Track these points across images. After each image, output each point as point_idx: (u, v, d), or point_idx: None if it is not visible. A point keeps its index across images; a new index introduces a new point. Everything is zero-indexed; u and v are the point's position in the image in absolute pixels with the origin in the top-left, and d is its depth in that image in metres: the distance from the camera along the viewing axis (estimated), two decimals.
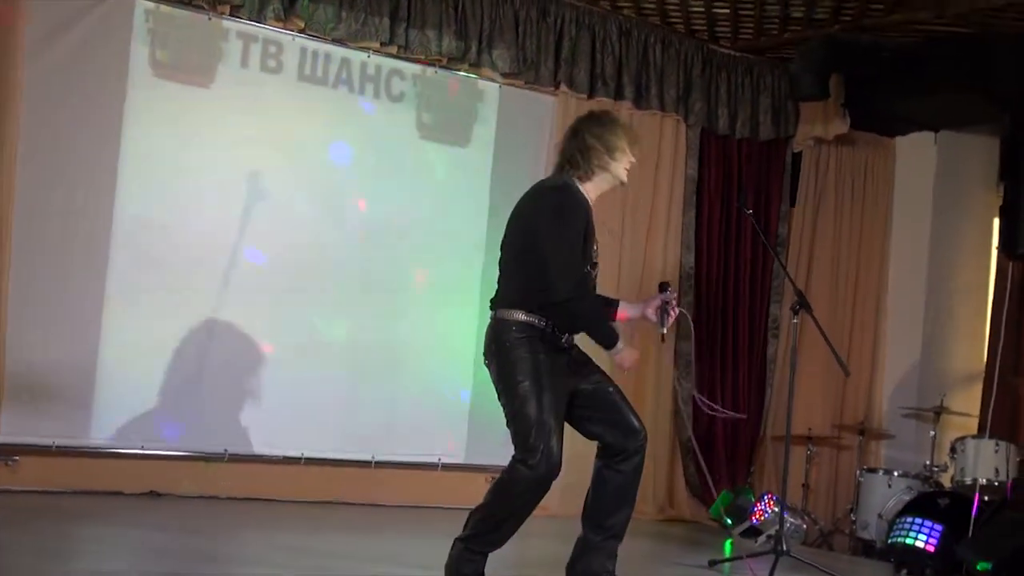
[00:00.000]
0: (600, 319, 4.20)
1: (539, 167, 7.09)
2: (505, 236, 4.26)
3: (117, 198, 6.04)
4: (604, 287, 6.84)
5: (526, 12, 7.13)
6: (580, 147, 4.21)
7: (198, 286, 6.28)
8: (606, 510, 4.19)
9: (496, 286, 4.26)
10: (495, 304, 4.21)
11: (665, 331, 4.35)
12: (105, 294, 6.03)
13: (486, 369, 4.19)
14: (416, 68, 6.93)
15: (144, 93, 6.13)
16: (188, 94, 6.27)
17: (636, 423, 4.20)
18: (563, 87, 7.27)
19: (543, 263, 4.01)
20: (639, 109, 7.53)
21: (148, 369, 6.14)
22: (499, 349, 4.10)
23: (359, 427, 6.63)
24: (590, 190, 4.22)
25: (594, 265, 4.24)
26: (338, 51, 6.67)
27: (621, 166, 4.23)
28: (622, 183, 4.26)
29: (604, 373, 4.29)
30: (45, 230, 5.86)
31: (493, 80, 7.14)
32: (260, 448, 6.42)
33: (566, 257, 4.01)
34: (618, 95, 7.47)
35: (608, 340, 4.13)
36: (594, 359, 4.34)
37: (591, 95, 7.36)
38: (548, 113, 7.29)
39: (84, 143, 5.99)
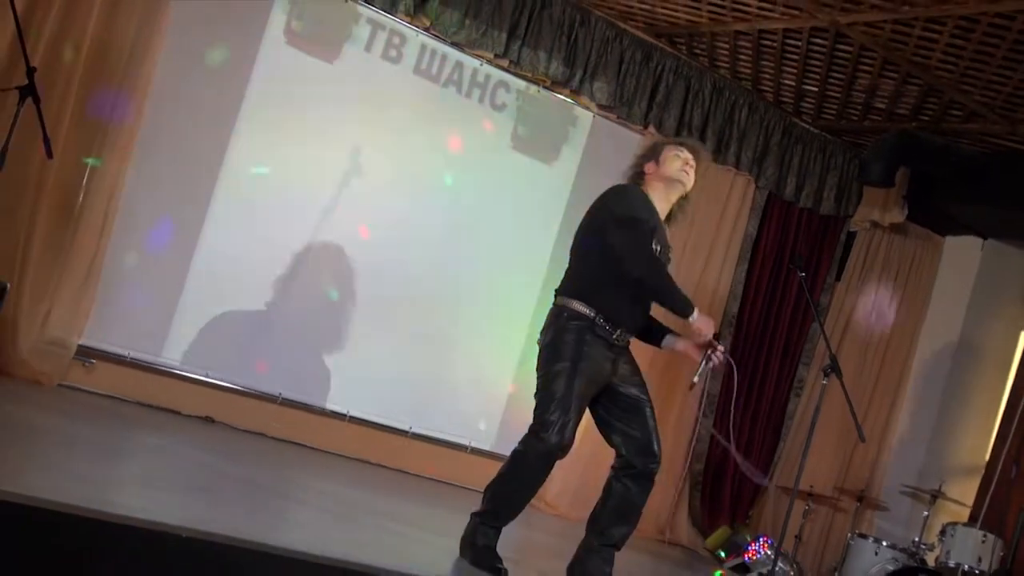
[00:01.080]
0: (674, 288, 4.10)
1: None
2: (575, 234, 4.33)
3: (230, 147, 6.14)
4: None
5: (631, 53, 7.21)
6: (633, 162, 4.40)
7: (289, 238, 6.35)
8: (608, 520, 4.21)
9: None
10: (558, 292, 4.26)
11: (697, 379, 4.24)
12: (202, 229, 6.13)
13: (532, 370, 4.21)
14: (521, 84, 7.03)
15: (274, 56, 6.23)
16: (313, 66, 6.36)
17: (655, 447, 4.20)
18: (651, 128, 7.34)
19: (610, 250, 4.06)
20: (716, 163, 7.58)
21: (227, 304, 6.21)
22: (551, 330, 4.15)
23: (403, 398, 6.69)
24: (655, 196, 4.26)
25: (667, 260, 4.24)
26: (455, 54, 6.77)
27: (673, 166, 4.26)
28: (681, 182, 4.25)
29: (646, 389, 4.28)
30: (160, 161, 5.96)
31: (588, 109, 7.22)
32: (311, 399, 6.47)
33: (636, 238, 4.05)
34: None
35: (684, 307, 4.06)
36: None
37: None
38: (633, 148, 7.12)
39: (210, 94, 6.09)
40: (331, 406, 6.54)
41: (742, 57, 7.27)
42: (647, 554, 6.67)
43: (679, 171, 4.24)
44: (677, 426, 7.54)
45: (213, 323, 6.22)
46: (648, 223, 4.10)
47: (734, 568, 6.91)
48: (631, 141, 7.30)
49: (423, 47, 6.69)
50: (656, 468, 4.20)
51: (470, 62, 6.82)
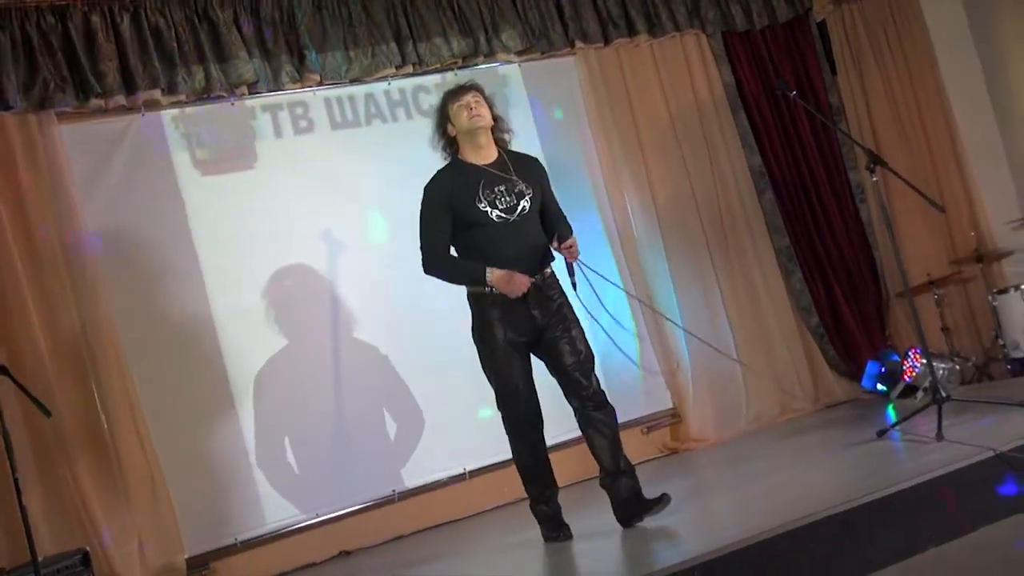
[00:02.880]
0: (458, 269, 4.69)
1: (583, 129, 7.07)
2: None
3: (209, 300, 6.05)
4: (681, 210, 7.07)
5: None
6: (434, 134, 4.87)
7: (309, 347, 6.25)
8: (600, 459, 4.71)
9: None
10: None
11: (571, 280, 4.74)
12: (231, 386, 6.05)
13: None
14: (436, 78, 6.83)
15: (198, 194, 6.13)
16: (238, 181, 6.24)
17: (579, 376, 4.63)
18: (578, 44, 7.15)
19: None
20: (656, 38, 7.39)
21: (292, 442, 6.14)
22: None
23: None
24: (468, 152, 4.73)
25: (521, 196, 4.65)
26: (360, 90, 6.62)
27: (461, 118, 4.69)
28: (477, 128, 4.67)
29: (564, 320, 4.67)
30: (153, 349, 5.91)
31: (511, 61, 7.03)
32: (422, 477, 6.37)
33: (423, 246, 4.69)
34: (632, 32, 7.33)
35: (478, 278, 4.60)
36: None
37: (607, 42, 7.26)
38: (573, 73, 7.19)
39: (160, 257, 6.01)
40: (447, 472, 6.41)
41: None
42: (813, 428, 6.55)
43: (469, 121, 4.65)
44: (770, 296, 7.42)
45: (292, 466, 6.14)
46: (444, 203, 4.62)
47: (902, 394, 6.74)
48: (567, 68, 7.19)
49: (327, 102, 6.56)
50: (591, 396, 4.62)
51: (378, 87, 6.67)
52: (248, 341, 6.10)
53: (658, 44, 7.35)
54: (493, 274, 4.55)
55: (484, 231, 4.63)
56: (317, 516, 6.08)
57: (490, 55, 6.92)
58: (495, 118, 4.78)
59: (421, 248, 4.66)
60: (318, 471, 6.14)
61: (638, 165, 7.13)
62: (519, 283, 4.57)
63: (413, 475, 6.33)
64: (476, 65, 6.90)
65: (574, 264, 4.73)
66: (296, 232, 6.29)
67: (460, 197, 4.64)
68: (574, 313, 4.75)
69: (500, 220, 4.64)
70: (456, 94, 4.75)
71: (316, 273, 6.32)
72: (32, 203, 5.65)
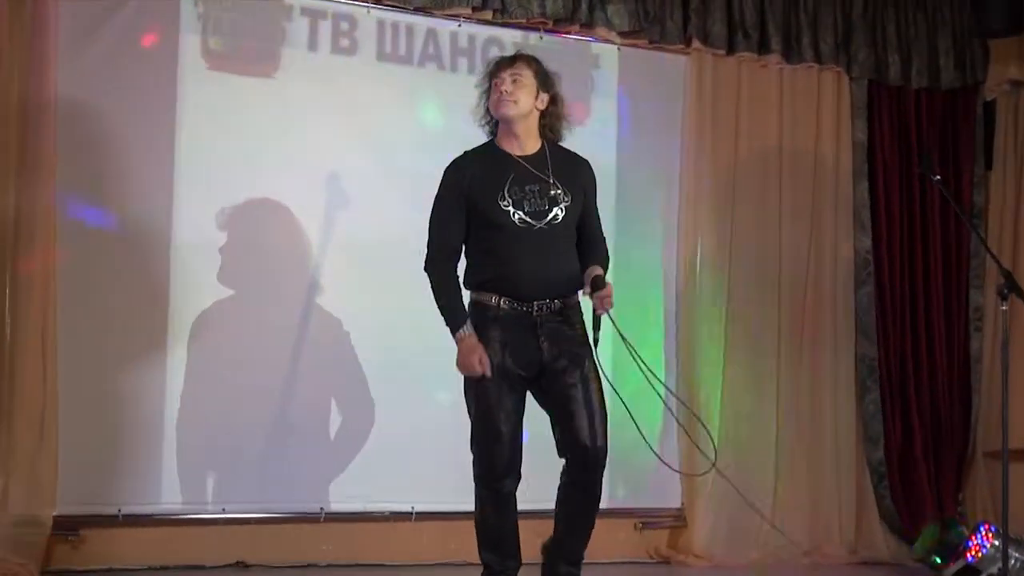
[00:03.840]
0: (442, 294, 4.62)
1: (672, 139, 6.99)
2: None
3: (174, 222, 5.98)
4: (760, 273, 7.06)
5: None
6: (482, 112, 4.82)
7: (271, 306, 6.19)
8: (561, 530, 4.69)
9: None
10: None
11: (596, 336, 4.58)
12: (168, 337, 5.98)
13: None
14: (517, 34, 6.72)
15: (199, 91, 6.05)
16: (250, 87, 6.17)
17: (585, 437, 4.52)
18: (696, 43, 7.02)
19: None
20: (790, 63, 7.27)
21: (224, 421, 6.03)
22: None
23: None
24: (504, 140, 4.70)
25: (544, 203, 4.59)
26: (423, 22, 6.54)
27: (492, 102, 4.67)
28: (506, 115, 4.63)
29: (579, 362, 4.57)
30: (92, 263, 5.84)
31: (610, 41, 6.89)
32: (362, 504, 6.28)
33: (431, 230, 4.67)
34: (763, 48, 7.21)
35: (447, 321, 4.62)
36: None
37: (731, 50, 7.14)
38: (679, 76, 7.10)
39: (131, 157, 5.94)
40: (391, 505, 6.33)
41: None
42: None
43: (497, 104, 4.62)
44: (834, 413, 7.30)
45: (215, 447, 6.05)
46: (455, 192, 4.61)
47: (958, 575, 6.59)
48: (675, 67, 7.11)
49: (381, 25, 6.45)
50: (591, 461, 4.52)
51: (445, 26, 6.56)
52: (206, 279, 6.04)
53: (790, 71, 7.26)
54: (463, 338, 4.55)
55: (502, 235, 4.58)
56: (224, 512, 6.03)
57: (588, 26, 6.81)
58: (551, 101, 4.71)
59: (427, 243, 4.69)
60: (240, 459, 6.07)
61: (725, 205, 7.06)
62: (470, 363, 4.51)
63: (349, 497, 6.24)
64: (568, 34, 6.82)
65: (603, 316, 4.56)
66: (296, 166, 6.19)
67: (481, 189, 4.60)
68: (596, 362, 4.62)
69: (523, 225, 4.57)
70: (500, 66, 4.70)
71: (304, 222, 6.26)
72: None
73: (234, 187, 6.08)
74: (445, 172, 4.69)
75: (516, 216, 4.58)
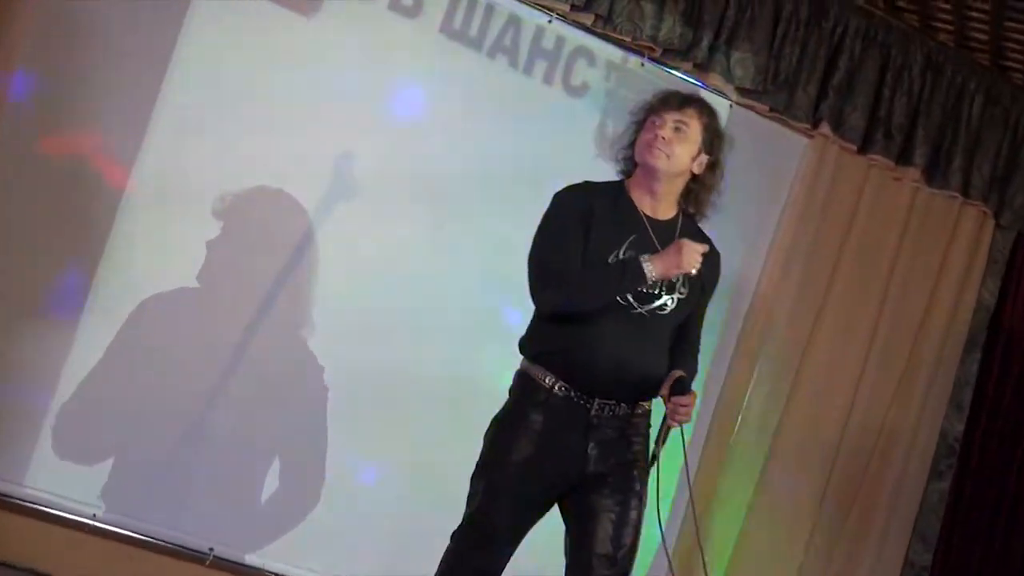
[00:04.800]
0: (592, 280, 4.36)
1: (765, 228, 6.90)
2: None
3: (138, 164, 5.85)
4: (815, 447, 6.91)
5: (794, 7, 6.75)
6: (624, 141, 4.71)
7: (227, 299, 6.04)
8: None
9: None
10: None
11: (656, 451, 4.43)
12: (87, 301, 5.85)
13: None
14: (615, 53, 6.59)
15: (210, 18, 5.93)
16: (277, 23, 6.01)
17: (605, 565, 4.35)
18: (824, 127, 6.84)
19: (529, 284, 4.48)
20: (929, 186, 7.10)
21: (128, 417, 5.91)
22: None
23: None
24: (636, 191, 4.55)
25: (645, 293, 4.38)
26: (507, 5, 6.41)
27: (640, 144, 4.51)
28: (650, 166, 4.45)
29: (631, 489, 4.41)
30: (25, 181, 5.73)
31: (723, 94, 6.71)
32: (260, 559, 6.15)
33: (545, 258, 4.43)
34: (903, 158, 7.03)
35: (634, 280, 4.31)
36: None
37: (863, 148, 6.96)
38: (794, 158, 6.96)
39: (108, 82, 5.79)
40: (308, 570, 6.23)
41: (974, 15, 6.82)
42: None
43: (646, 149, 4.45)
44: None
45: (108, 441, 5.92)
46: (576, 222, 4.40)
47: None
48: (792, 146, 6.96)
49: None
50: None
51: (532, 16, 6.40)
52: (159, 244, 5.93)
53: (927, 196, 7.10)
54: (650, 258, 4.30)
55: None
56: (93, 519, 5.90)
57: (702, 68, 6.67)
58: (710, 167, 4.54)
59: (534, 275, 4.45)
60: (138, 463, 5.96)
61: (802, 323, 6.93)
62: (683, 259, 4.29)
63: (248, 545, 6.11)
64: (674, 69, 6.66)
65: (672, 430, 4.39)
66: (309, 134, 6.06)
67: (600, 229, 4.42)
68: (645, 485, 4.50)
69: (623, 303, 4.37)
70: (666, 104, 4.53)
71: (297, 204, 6.11)
72: None
73: (221, 137, 5.95)
74: (561, 197, 4.52)
75: None
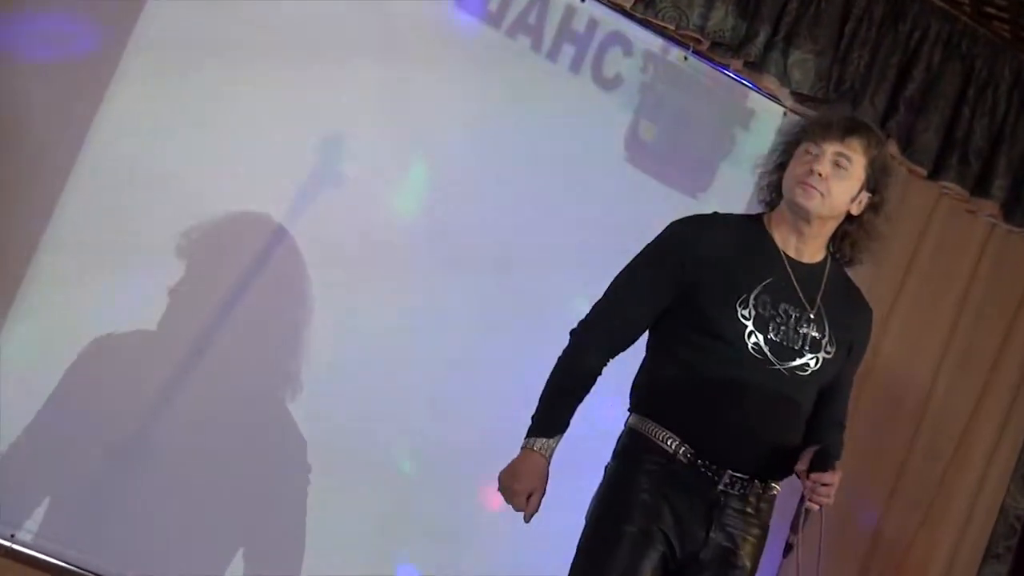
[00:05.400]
0: (560, 388, 4.29)
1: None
2: None
3: (91, 135, 5.76)
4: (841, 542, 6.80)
5: (866, 3, 6.64)
6: (768, 166, 4.55)
7: (180, 318, 5.95)
8: None
9: None
10: None
11: (791, 540, 4.34)
12: (16, 293, 5.79)
13: None
14: (655, 42, 6.49)
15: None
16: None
17: None
18: (891, 145, 6.63)
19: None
20: (1007, 222, 6.99)
21: (51, 428, 5.82)
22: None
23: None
24: (780, 225, 4.36)
25: (785, 349, 4.21)
26: None
27: (790, 177, 4.28)
28: (798, 205, 4.24)
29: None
30: None
31: (776, 99, 6.65)
32: None
33: (606, 294, 4.35)
34: (980, 188, 6.87)
35: (538, 422, 4.26)
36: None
37: (935, 174, 6.82)
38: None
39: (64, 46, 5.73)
40: None
41: None
42: None
43: (797, 185, 4.23)
44: None
45: (27, 454, 5.82)
46: (649, 281, 4.28)
47: None
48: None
49: None
50: None
51: None
52: (104, 228, 5.84)
53: (1003, 233, 7.04)
54: (530, 454, 4.21)
55: (723, 356, 4.18)
56: (12, 539, 5.82)
57: (755, 67, 6.55)
58: (871, 208, 4.33)
59: (595, 305, 4.38)
60: (60, 482, 5.88)
61: None
62: (514, 491, 4.18)
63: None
64: (724, 67, 6.60)
65: (811, 511, 4.16)
66: (287, 120, 6.01)
67: (713, 276, 4.22)
68: None
69: (759, 357, 4.17)
70: (826, 131, 4.27)
71: (268, 201, 6.06)
72: None
73: (184, 119, 5.92)
74: (668, 232, 4.35)
75: (753, 339, 4.19)
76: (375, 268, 6.19)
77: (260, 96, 6.02)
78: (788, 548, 4.17)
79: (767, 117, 6.68)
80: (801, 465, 4.13)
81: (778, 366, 4.17)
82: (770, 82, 6.59)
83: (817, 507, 4.10)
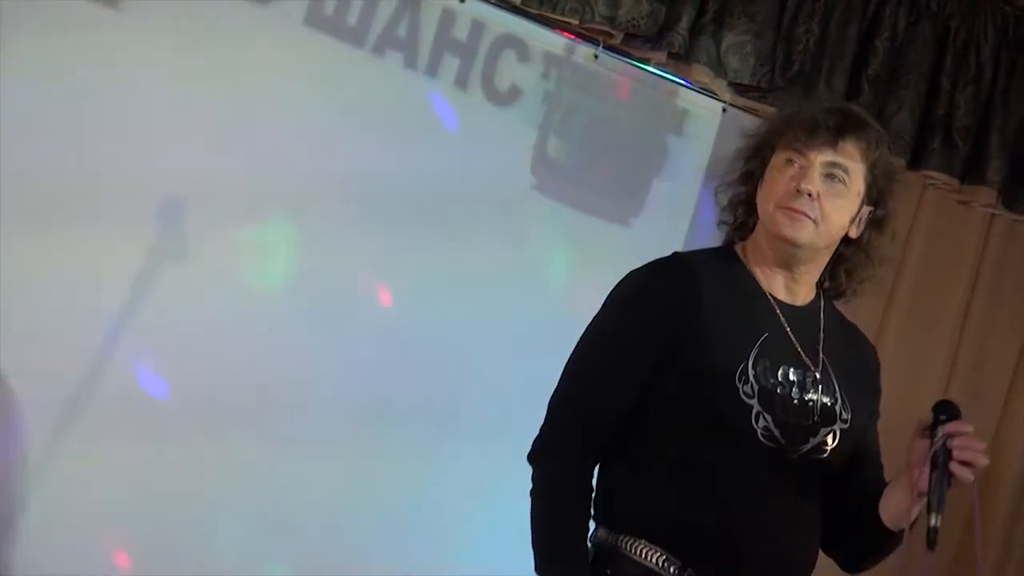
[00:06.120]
0: (561, 517, 3.56)
1: None
2: None
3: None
4: None
5: None
6: (725, 183, 3.94)
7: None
8: None
9: None
10: None
11: (935, 522, 3.27)
12: None
13: None
14: (557, 41, 6.00)
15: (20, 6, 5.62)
16: (90, 16, 5.61)
17: None
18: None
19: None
20: (1010, 210, 6.48)
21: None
22: None
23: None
24: (759, 259, 3.65)
25: (797, 427, 3.52)
26: None
27: (770, 191, 3.54)
28: (781, 238, 3.52)
29: None
30: None
31: (711, 93, 6.16)
32: None
33: (567, 393, 3.61)
34: (973, 174, 6.35)
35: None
36: None
37: (915, 162, 6.30)
38: None
39: None
40: None
41: None
42: None
43: (775, 213, 3.53)
44: None
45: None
46: (617, 364, 3.56)
47: None
48: None
49: None
50: None
51: None
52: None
53: (1007, 224, 6.55)
54: None
55: (723, 452, 3.52)
56: None
57: (680, 59, 6.08)
58: (873, 224, 3.69)
59: (549, 406, 3.68)
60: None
61: None
62: None
63: None
64: (644, 61, 6.07)
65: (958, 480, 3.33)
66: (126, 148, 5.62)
67: (702, 342, 3.56)
68: None
69: (770, 444, 3.50)
70: (812, 132, 3.55)
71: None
72: None
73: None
74: (633, 285, 3.69)
75: (762, 422, 3.52)
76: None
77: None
78: (935, 535, 3.19)
79: (704, 117, 6.22)
80: (918, 429, 3.38)
81: (792, 453, 3.50)
82: (702, 74, 6.07)
83: (970, 475, 3.30)
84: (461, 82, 5.87)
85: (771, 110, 6.01)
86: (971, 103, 6.28)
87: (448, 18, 5.82)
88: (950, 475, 3.23)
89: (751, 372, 3.47)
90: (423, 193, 5.93)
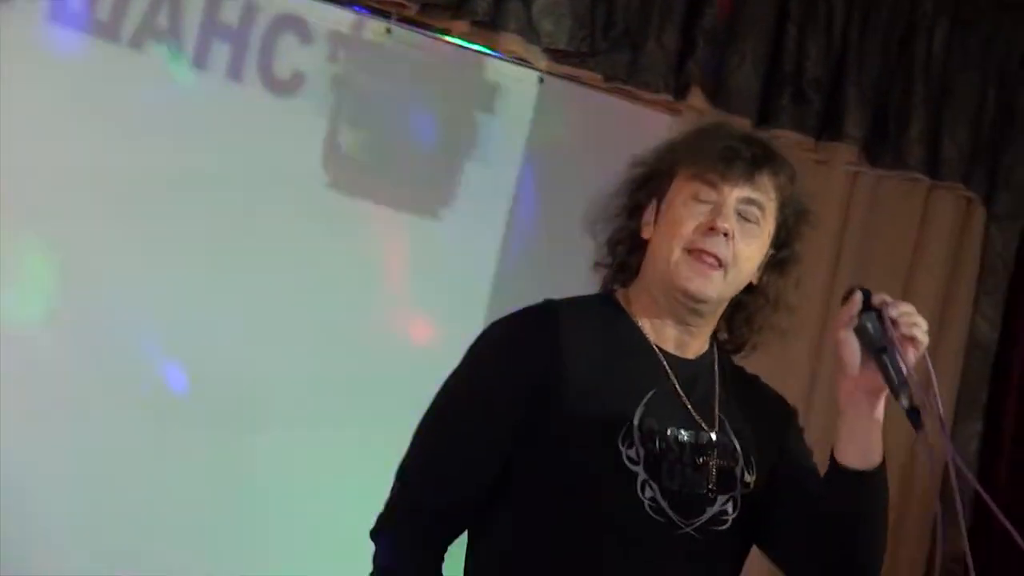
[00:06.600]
0: None
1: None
2: None
3: None
4: None
5: None
6: (603, 219, 3.57)
7: None
8: None
9: None
10: None
11: (908, 402, 2.95)
12: None
13: None
14: (343, 18, 5.63)
15: None
16: None
17: None
18: (695, 95, 5.90)
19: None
20: (874, 166, 6.11)
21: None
22: None
23: None
24: (646, 310, 3.32)
25: (690, 497, 3.27)
26: None
27: (674, 239, 3.20)
28: (686, 293, 3.18)
29: None
30: None
31: (525, 62, 5.74)
32: None
33: (422, 445, 3.34)
34: (830, 130, 6.05)
35: None
36: None
37: (763, 120, 5.90)
38: (650, 142, 5.94)
39: None
40: None
41: None
42: None
43: (678, 263, 3.18)
44: None
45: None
46: (468, 405, 3.27)
47: None
48: (648, 126, 5.90)
49: None
50: None
51: None
52: None
53: (872, 180, 6.13)
54: None
55: (603, 527, 3.20)
56: None
57: (487, 28, 5.63)
58: (777, 267, 3.39)
59: (393, 488, 3.42)
60: None
61: None
62: None
63: None
64: (444, 32, 5.69)
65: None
66: None
67: (578, 402, 3.23)
68: None
69: (658, 518, 3.19)
70: (727, 163, 3.22)
71: None
72: None
73: None
74: (496, 341, 3.39)
75: (648, 492, 3.22)
76: None
77: None
78: (916, 412, 2.92)
79: (518, 91, 5.81)
80: (844, 312, 3.06)
81: (686, 527, 3.17)
82: (513, 43, 5.62)
83: (919, 346, 2.97)
84: (235, 72, 5.45)
85: (597, 77, 5.72)
86: (823, 53, 5.96)
87: (213, 2, 5.44)
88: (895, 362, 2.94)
89: (636, 434, 3.15)
90: (196, 201, 5.47)
